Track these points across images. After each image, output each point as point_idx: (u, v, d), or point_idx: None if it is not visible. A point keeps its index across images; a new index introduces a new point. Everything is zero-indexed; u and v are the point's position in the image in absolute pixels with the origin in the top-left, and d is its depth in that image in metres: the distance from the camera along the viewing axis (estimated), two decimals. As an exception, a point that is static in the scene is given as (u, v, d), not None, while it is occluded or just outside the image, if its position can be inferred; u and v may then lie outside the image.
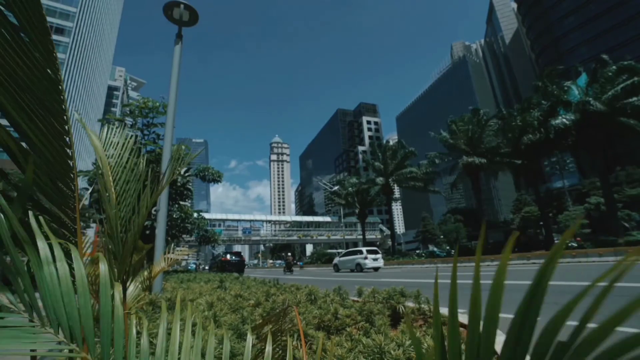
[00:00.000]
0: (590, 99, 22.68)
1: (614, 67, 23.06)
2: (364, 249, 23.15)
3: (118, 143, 1.50)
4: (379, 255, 22.80)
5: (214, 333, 0.74)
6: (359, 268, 22.32)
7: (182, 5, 6.16)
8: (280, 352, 0.90)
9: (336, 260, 26.65)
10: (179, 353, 0.61)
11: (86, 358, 0.57)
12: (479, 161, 28.47)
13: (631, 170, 36.44)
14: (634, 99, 21.11)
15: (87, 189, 17.15)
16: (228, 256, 26.12)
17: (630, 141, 27.98)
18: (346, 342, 2.09)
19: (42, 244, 0.60)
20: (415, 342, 0.44)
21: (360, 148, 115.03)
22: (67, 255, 0.63)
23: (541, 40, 69.13)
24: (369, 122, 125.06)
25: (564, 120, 23.35)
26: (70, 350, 0.57)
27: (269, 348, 0.71)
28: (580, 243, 24.14)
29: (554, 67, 29.04)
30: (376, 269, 22.10)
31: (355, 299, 4.22)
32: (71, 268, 0.62)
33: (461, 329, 3.08)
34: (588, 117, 22.83)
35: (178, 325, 0.66)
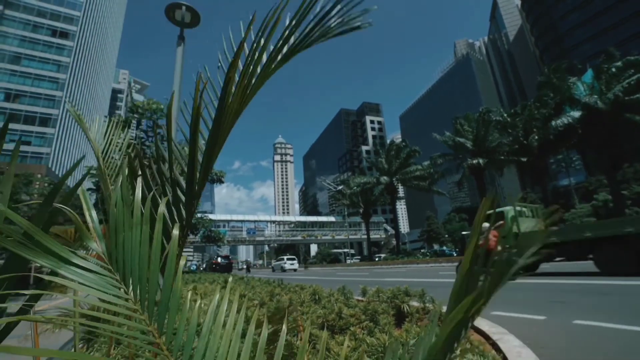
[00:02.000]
0: (596, 95, 22.36)
1: (619, 62, 22.70)
2: (285, 257, 36.05)
3: (108, 136, 1.52)
4: (295, 261, 34.71)
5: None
6: (282, 269, 32.89)
7: (183, 7, 6.19)
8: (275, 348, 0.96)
9: (273, 263, 40.45)
10: (222, 328, 0.70)
11: (144, 320, 0.66)
12: (483, 161, 28.21)
13: (639, 167, 35.89)
14: (640, 94, 20.80)
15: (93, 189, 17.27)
16: (219, 259, 30.65)
17: (637, 137, 27.55)
18: (350, 341, 2.09)
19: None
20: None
21: (364, 148, 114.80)
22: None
23: (545, 37, 68.47)
24: (372, 122, 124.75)
25: (570, 117, 23.06)
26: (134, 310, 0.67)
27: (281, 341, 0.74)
28: None
29: (559, 63, 28.65)
30: (295, 269, 32.71)
31: (360, 298, 4.21)
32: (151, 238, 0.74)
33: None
34: (593, 114, 22.51)
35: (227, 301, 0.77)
